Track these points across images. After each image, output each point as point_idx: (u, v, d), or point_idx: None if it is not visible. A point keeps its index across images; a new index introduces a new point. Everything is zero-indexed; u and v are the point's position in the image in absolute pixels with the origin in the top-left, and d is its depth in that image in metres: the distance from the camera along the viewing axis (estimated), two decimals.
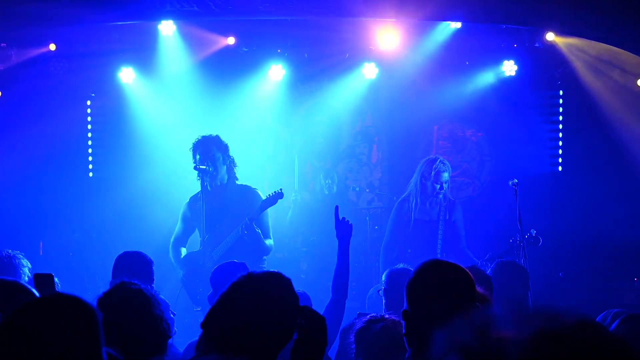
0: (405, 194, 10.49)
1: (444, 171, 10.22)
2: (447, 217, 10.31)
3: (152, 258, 7.17)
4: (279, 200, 9.70)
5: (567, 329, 1.72)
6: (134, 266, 6.91)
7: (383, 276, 7.17)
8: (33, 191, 12.45)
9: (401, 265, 7.21)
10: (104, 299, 4.21)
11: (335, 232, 6.97)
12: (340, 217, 7.06)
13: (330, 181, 12.96)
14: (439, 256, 9.98)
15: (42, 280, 5.08)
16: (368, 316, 4.75)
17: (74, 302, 2.72)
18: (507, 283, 7.21)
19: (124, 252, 7.14)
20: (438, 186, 10.20)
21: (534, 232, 9.81)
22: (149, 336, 4.09)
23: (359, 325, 4.76)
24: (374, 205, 13.06)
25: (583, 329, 1.73)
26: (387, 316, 4.93)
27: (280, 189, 9.66)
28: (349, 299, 6.96)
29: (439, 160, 10.31)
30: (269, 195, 9.64)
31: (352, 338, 4.70)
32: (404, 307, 3.65)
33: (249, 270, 6.64)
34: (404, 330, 3.65)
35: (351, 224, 7.05)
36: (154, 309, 4.21)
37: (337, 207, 7.19)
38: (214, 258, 9.53)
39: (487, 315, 1.76)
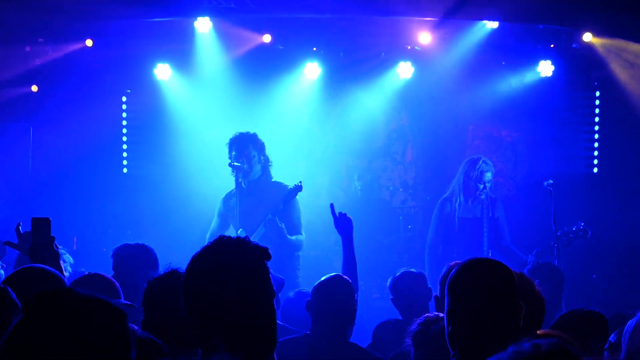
0: (447, 193, 10.50)
1: (487, 171, 10.26)
2: (490, 214, 10.33)
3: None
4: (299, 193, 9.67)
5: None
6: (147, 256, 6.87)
7: (388, 283, 7.05)
8: (68, 186, 12.51)
9: (402, 270, 7.10)
10: None
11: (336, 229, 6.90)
12: (338, 213, 7.00)
13: (362, 182, 12.98)
14: (485, 254, 9.97)
15: (39, 223, 5.03)
16: (422, 317, 4.65)
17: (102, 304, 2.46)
18: (540, 285, 7.15)
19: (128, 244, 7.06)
20: (481, 186, 10.24)
21: (582, 224, 9.82)
22: None
23: (415, 327, 4.64)
24: (407, 204, 13.02)
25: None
26: (441, 315, 4.81)
27: (300, 182, 9.63)
28: (382, 298, 6.90)
29: (481, 160, 10.34)
30: (290, 188, 9.63)
31: (409, 341, 4.63)
32: (447, 307, 3.63)
33: None
34: (447, 330, 3.61)
35: (349, 217, 6.98)
36: None
37: (332, 205, 7.12)
38: None
39: None
